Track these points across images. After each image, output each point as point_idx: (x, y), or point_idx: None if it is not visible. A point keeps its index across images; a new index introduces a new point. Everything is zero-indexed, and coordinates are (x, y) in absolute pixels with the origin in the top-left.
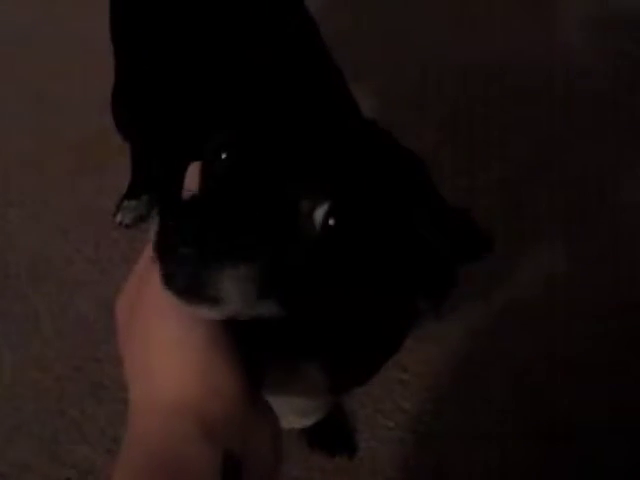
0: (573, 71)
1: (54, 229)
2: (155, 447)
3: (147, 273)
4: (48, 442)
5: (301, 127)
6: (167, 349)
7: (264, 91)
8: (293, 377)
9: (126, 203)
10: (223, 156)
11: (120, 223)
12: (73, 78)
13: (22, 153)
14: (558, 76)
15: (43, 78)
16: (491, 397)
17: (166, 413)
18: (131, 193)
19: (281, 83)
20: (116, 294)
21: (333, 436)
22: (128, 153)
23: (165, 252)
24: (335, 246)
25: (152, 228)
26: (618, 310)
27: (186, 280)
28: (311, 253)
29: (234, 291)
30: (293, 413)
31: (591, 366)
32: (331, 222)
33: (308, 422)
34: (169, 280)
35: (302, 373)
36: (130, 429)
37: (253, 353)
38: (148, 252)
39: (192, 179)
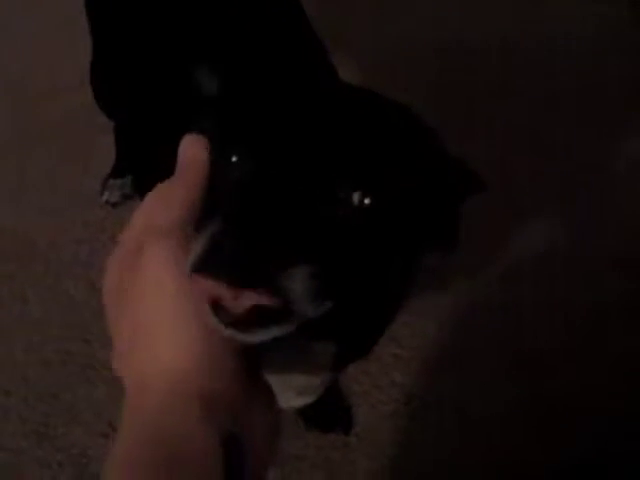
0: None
1: (40, 210)
2: (155, 424)
3: (132, 258)
4: (40, 426)
5: (299, 109)
6: (165, 328)
7: (249, 66)
8: (299, 355)
9: (112, 182)
10: (234, 159)
11: (106, 202)
12: (53, 55)
13: (4, 134)
14: (542, 51)
15: (20, 57)
16: (486, 370)
17: (165, 390)
18: (116, 171)
19: (263, 55)
20: (103, 275)
21: (329, 412)
22: (112, 132)
23: (225, 269)
24: (374, 225)
25: (193, 251)
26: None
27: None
28: (354, 238)
29: (302, 298)
30: (292, 392)
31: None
32: (367, 201)
33: (307, 401)
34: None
35: (309, 350)
36: (128, 407)
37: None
38: (129, 235)
39: (186, 151)
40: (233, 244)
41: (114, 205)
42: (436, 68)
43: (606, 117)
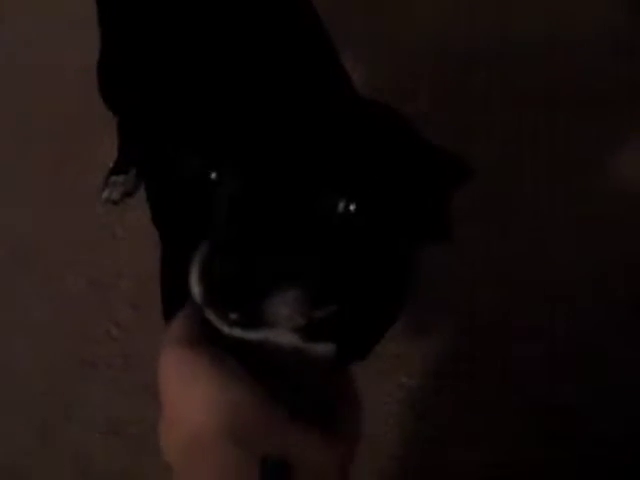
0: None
1: (40, 207)
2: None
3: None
4: (41, 425)
5: (289, 118)
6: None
7: (252, 71)
8: (300, 357)
9: (113, 178)
10: (212, 176)
11: (107, 199)
12: (54, 50)
13: (4, 129)
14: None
15: (22, 50)
16: (490, 372)
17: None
18: (118, 168)
19: (268, 57)
20: (105, 272)
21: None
22: (114, 128)
23: (214, 296)
24: (364, 228)
25: (192, 275)
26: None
27: (242, 318)
28: (345, 245)
29: (288, 314)
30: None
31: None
32: (352, 208)
33: None
34: (226, 320)
35: (310, 353)
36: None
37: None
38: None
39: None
40: (222, 271)
41: (115, 202)
42: (439, 68)
43: (607, 117)
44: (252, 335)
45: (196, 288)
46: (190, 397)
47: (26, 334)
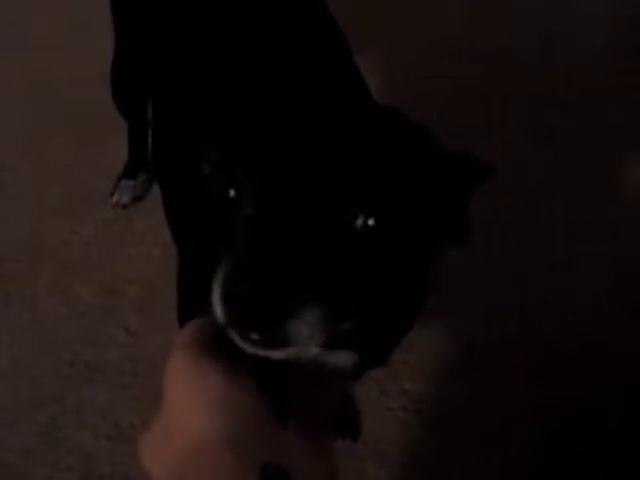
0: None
1: (50, 210)
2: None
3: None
4: (47, 428)
5: (306, 131)
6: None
7: (266, 78)
8: (319, 366)
9: (123, 182)
10: (231, 194)
11: (117, 203)
12: (67, 55)
13: (15, 133)
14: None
15: (35, 55)
16: (494, 379)
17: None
18: (128, 172)
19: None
20: (114, 277)
21: (338, 419)
22: (124, 132)
23: (237, 317)
24: (383, 242)
25: (215, 294)
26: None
27: (264, 339)
28: (365, 259)
29: (310, 333)
30: None
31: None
32: (371, 222)
33: None
34: (248, 341)
35: (329, 361)
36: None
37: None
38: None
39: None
40: (244, 293)
41: (125, 207)
42: (440, 68)
43: (607, 117)
44: (275, 355)
45: (218, 308)
46: (194, 403)
47: (35, 337)
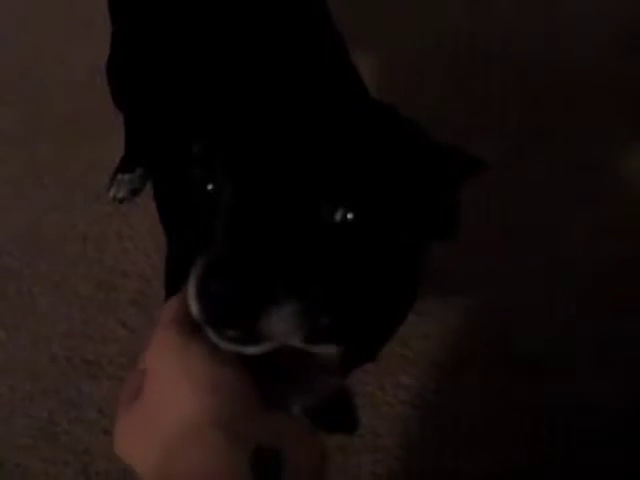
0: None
1: (47, 205)
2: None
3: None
4: (44, 423)
5: (296, 121)
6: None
7: (260, 70)
8: (306, 361)
9: (120, 177)
10: (209, 187)
11: (114, 198)
12: (60, 49)
13: (11, 128)
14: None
15: (30, 49)
16: (491, 374)
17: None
18: (125, 166)
19: (276, 57)
20: (111, 272)
21: (334, 413)
22: (120, 126)
23: (211, 314)
24: (364, 236)
25: (190, 291)
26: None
27: (238, 336)
28: (345, 253)
29: (285, 329)
30: None
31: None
32: (350, 216)
33: None
34: (223, 337)
35: (315, 356)
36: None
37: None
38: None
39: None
40: (218, 290)
41: (121, 201)
42: (440, 68)
43: (608, 116)
44: (250, 351)
45: (193, 305)
46: (179, 383)
47: (31, 332)
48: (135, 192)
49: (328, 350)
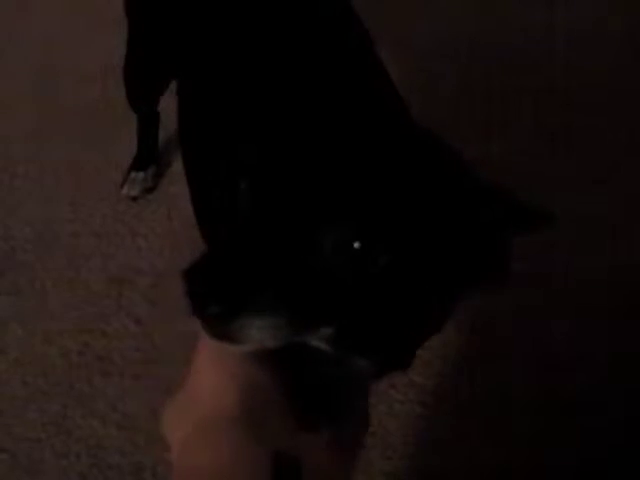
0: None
1: (60, 202)
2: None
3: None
4: (57, 417)
5: (329, 144)
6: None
7: (291, 83)
8: (338, 372)
9: (133, 174)
10: (242, 185)
11: (127, 195)
12: (75, 45)
13: (25, 125)
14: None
15: (43, 46)
16: (504, 371)
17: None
18: (138, 164)
19: (310, 68)
20: (124, 268)
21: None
22: (133, 124)
23: (200, 308)
24: (397, 280)
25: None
26: None
27: (221, 331)
28: (377, 296)
29: (258, 337)
30: None
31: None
32: (356, 245)
33: None
34: (202, 318)
35: (348, 367)
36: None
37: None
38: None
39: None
40: (209, 273)
41: (134, 199)
42: (440, 68)
43: (608, 116)
44: (233, 349)
45: (183, 282)
46: (217, 378)
47: (44, 327)
48: (148, 190)
49: (358, 362)
